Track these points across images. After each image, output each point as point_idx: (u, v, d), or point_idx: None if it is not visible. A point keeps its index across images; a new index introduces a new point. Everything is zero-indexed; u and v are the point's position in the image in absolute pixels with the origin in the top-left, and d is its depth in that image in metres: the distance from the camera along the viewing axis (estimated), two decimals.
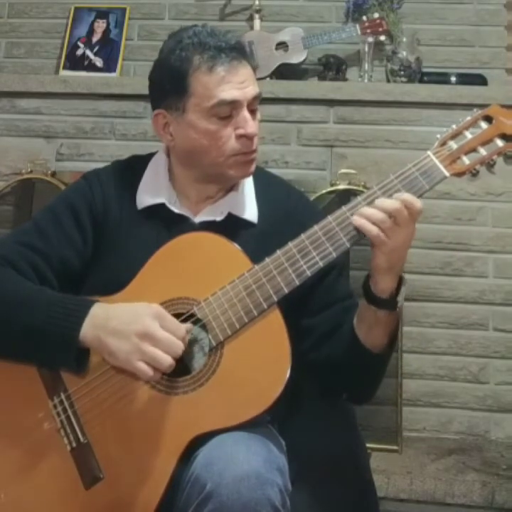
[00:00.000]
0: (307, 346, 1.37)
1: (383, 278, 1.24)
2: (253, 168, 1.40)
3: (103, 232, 1.40)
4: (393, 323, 1.29)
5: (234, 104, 1.32)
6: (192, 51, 1.33)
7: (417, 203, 1.21)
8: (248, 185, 1.45)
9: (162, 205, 1.41)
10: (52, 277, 1.37)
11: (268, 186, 1.47)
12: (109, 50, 2.77)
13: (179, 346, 1.21)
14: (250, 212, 1.42)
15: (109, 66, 2.75)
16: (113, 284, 1.31)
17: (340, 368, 1.33)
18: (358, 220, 1.22)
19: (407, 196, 1.22)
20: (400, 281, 1.26)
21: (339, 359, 1.33)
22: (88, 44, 2.79)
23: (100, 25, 2.81)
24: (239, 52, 1.35)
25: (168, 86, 1.36)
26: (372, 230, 1.21)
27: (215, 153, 1.35)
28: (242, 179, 1.42)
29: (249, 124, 1.34)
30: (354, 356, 1.31)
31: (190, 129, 1.35)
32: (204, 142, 1.34)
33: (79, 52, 2.79)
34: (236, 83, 1.32)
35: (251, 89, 1.34)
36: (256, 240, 1.36)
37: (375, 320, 1.27)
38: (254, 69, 1.39)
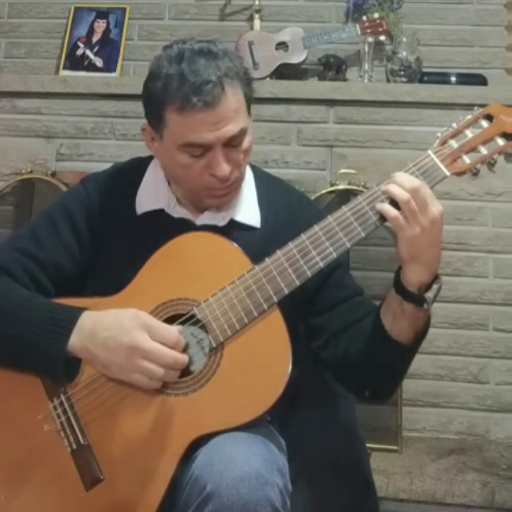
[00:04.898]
0: (319, 344, 1.38)
1: (408, 269, 1.22)
2: (230, 197, 1.37)
3: (102, 238, 1.40)
4: (421, 320, 1.26)
5: (205, 146, 1.28)
6: (168, 83, 1.26)
7: (423, 185, 1.21)
8: (250, 188, 1.44)
9: (162, 210, 1.41)
10: (47, 283, 1.37)
11: (270, 189, 1.47)
12: (109, 50, 2.77)
13: (169, 356, 1.20)
14: (253, 216, 1.41)
15: (109, 66, 2.75)
16: (113, 288, 1.31)
17: (361, 361, 1.30)
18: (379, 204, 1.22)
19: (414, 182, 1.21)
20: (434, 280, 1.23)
21: (360, 351, 1.30)
22: (88, 44, 2.79)
23: (100, 25, 2.80)
24: (219, 88, 1.24)
25: (148, 109, 1.33)
26: (391, 211, 1.20)
27: (188, 184, 1.34)
28: (218, 207, 1.39)
29: (220, 167, 1.28)
30: (377, 346, 1.28)
31: (166, 156, 1.34)
32: (178, 172, 1.33)
33: (79, 52, 2.78)
34: (210, 124, 1.24)
35: (229, 130, 1.26)
36: (259, 244, 1.35)
37: (400, 311, 1.24)
38: (247, 95, 1.31)
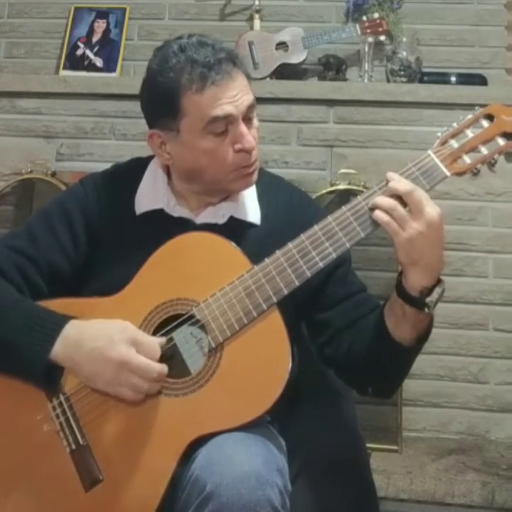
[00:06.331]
0: (323, 341, 1.38)
1: (409, 273, 1.21)
2: (255, 178, 1.38)
3: (100, 237, 1.40)
4: (423, 323, 1.25)
5: (228, 119, 1.30)
6: (179, 71, 1.29)
7: (417, 188, 1.20)
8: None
9: (161, 210, 1.40)
10: (41, 282, 1.37)
11: (270, 187, 1.46)
12: (109, 50, 2.77)
13: (155, 370, 1.21)
14: (253, 214, 1.41)
15: (109, 66, 2.75)
16: (113, 288, 1.31)
17: (364, 360, 1.31)
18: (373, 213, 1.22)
19: (408, 184, 1.21)
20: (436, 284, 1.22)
21: (364, 350, 1.31)
22: (88, 44, 2.79)
23: (100, 25, 2.80)
24: (229, 64, 1.30)
25: (159, 108, 1.33)
26: (383, 217, 1.20)
27: (214, 171, 1.33)
28: (244, 190, 1.41)
29: (247, 139, 1.31)
30: (380, 346, 1.28)
31: (186, 149, 1.33)
32: (203, 161, 1.32)
33: (79, 52, 2.78)
34: (228, 98, 1.29)
35: (245, 100, 1.31)
36: (259, 242, 1.35)
37: (402, 314, 1.24)
38: (248, 74, 1.36)
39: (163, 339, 1.26)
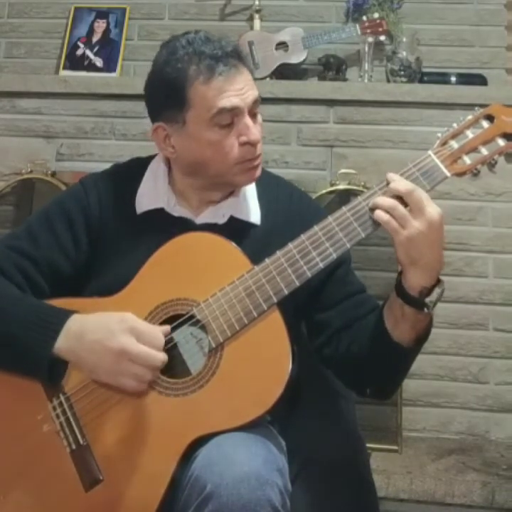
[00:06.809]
0: (322, 341, 1.38)
1: (408, 273, 1.21)
2: (259, 172, 1.38)
3: (100, 237, 1.40)
4: (422, 323, 1.25)
5: (234, 111, 1.30)
6: (187, 62, 1.30)
7: (417, 188, 1.21)
8: (250, 186, 1.43)
9: (162, 210, 1.40)
10: (42, 281, 1.37)
11: (271, 187, 1.47)
12: (109, 50, 2.77)
13: (157, 358, 1.21)
14: (253, 213, 1.41)
15: (109, 66, 2.75)
16: (113, 288, 1.31)
17: (363, 360, 1.31)
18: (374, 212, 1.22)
19: (409, 184, 1.21)
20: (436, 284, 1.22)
21: (362, 350, 1.30)
22: (88, 44, 2.79)
23: (100, 25, 2.81)
24: (236, 58, 1.32)
25: (166, 99, 1.33)
26: (383, 216, 1.20)
27: (219, 163, 1.33)
28: (248, 185, 1.41)
29: (252, 131, 1.32)
30: (379, 347, 1.28)
31: (192, 141, 1.33)
32: (207, 153, 1.33)
33: (79, 52, 2.78)
34: (235, 91, 1.30)
35: (250, 94, 1.32)
36: (260, 242, 1.36)
37: (401, 314, 1.24)
38: (252, 72, 1.37)
39: (167, 327, 1.26)
